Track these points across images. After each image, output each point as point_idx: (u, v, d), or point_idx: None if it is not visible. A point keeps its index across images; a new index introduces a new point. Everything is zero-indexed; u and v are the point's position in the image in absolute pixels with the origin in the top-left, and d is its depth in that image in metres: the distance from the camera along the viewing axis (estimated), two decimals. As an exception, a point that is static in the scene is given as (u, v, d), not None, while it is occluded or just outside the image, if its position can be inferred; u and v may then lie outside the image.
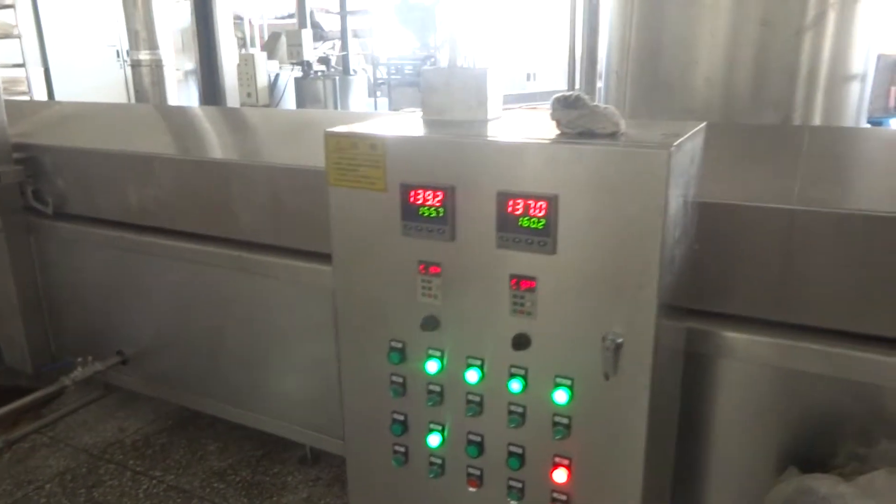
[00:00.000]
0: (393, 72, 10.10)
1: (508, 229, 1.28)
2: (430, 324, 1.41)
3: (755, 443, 1.86)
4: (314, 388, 2.43)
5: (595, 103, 1.29)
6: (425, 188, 1.33)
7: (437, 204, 1.33)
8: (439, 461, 1.50)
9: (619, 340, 1.23)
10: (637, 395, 1.27)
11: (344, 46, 10.80)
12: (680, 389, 1.68)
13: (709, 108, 3.42)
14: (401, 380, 1.49)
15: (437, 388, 1.46)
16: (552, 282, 1.29)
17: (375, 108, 10.02)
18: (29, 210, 3.09)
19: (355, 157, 1.40)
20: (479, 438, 1.45)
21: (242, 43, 10.63)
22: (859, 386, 1.72)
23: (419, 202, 1.35)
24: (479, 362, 1.40)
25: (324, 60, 10.81)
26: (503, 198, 1.27)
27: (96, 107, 4.30)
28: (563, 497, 1.39)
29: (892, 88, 6.58)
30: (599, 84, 4.34)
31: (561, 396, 1.32)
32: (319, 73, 10.25)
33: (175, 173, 2.66)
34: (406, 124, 1.51)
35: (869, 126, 3.21)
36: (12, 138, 3.06)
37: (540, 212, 1.24)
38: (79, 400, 3.30)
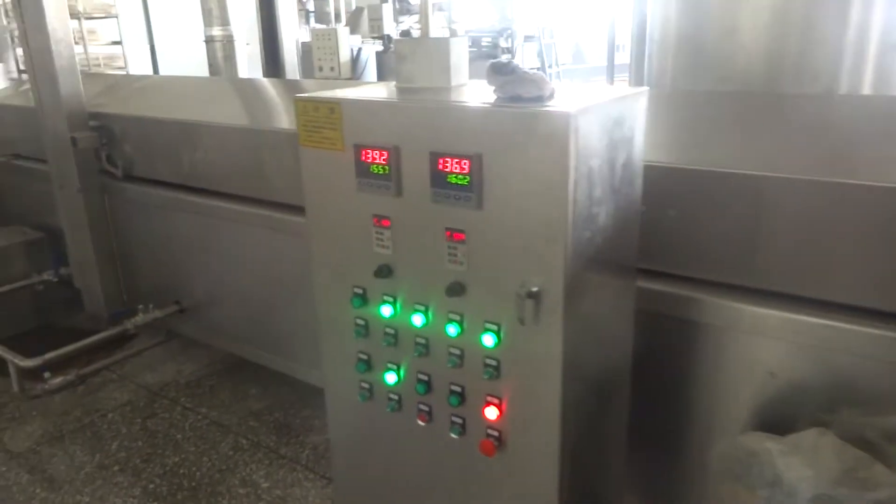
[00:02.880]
0: (470, 45, 10.13)
1: (440, 185, 1.40)
2: (384, 272, 1.57)
3: (720, 405, 1.91)
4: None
5: (524, 69, 1.39)
6: (374, 148, 1.48)
7: (384, 162, 1.47)
8: (396, 397, 1.67)
9: (533, 289, 1.34)
10: (551, 341, 1.37)
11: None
12: (632, 344, 1.76)
13: (749, 78, 3.34)
14: (363, 322, 1.66)
15: (392, 331, 1.61)
16: (480, 235, 1.41)
17: (452, 81, 10.10)
18: (103, 172, 3.47)
19: (317, 119, 1.56)
20: (426, 378, 1.59)
21: (328, 18, 10.97)
22: (822, 353, 1.74)
23: (369, 161, 1.49)
24: (423, 308, 1.54)
25: (405, 34, 10.98)
26: (434, 157, 1.39)
27: (171, 80, 4.67)
28: (496, 433, 1.52)
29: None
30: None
31: (489, 340, 1.45)
32: (399, 47, 10.41)
33: (216, 140, 2.92)
34: (372, 91, 1.65)
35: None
36: (90, 108, 3.43)
37: (465, 169, 1.36)
38: (144, 344, 3.69)
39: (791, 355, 1.79)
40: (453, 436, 1.58)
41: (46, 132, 3.39)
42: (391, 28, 10.34)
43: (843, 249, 1.68)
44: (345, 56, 9.70)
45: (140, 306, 3.36)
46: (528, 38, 9.67)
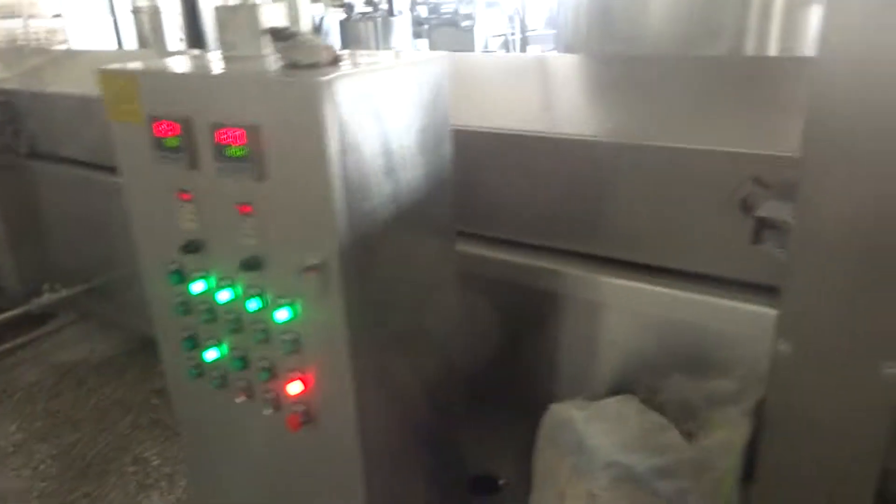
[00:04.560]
0: (431, 12, 9.98)
1: (220, 158, 1.37)
2: (192, 247, 1.53)
3: (565, 373, 1.90)
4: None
5: (302, 35, 1.34)
6: (166, 120, 1.43)
7: (176, 134, 1.43)
8: (219, 374, 1.65)
9: (314, 262, 1.32)
10: (335, 314, 1.35)
11: (388, -13, 10.71)
12: (458, 310, 1.74)
13: (660, 39, 3.29)
14: (183, 299, 1.63)
15: (208, 307, 1.58)
16: (267, 208, 1.37)
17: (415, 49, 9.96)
18: (9, 149, 3.40)
19: (119, 92, 1.52)
20: (242, 353, 1.57)
21: (291, -13, 10.75)
22: (656, 321, 1.72)
23: (163, 134, 1.45)
24: (230, 283, 1.51)
25: (370, 2, 10.80)
26: (213, 128, 1.35)
27: (94, 54, 4.57)
28: (302, 407, 1.51)
29: None
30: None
31: (283, 315, 1.42)
32: (360, 15, 10.26)
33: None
34: (179, 62, 1.60)
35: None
36: (-2, 83, 3.36)
37: (242, 141, 1.32)
38: (60, 323, 3.67)
39: (629, 323, 1.77)
40: (267, 411, 1.56)
41: (-54, 109, 3.31)
42: (352, -4, 10.16)
43: (675, 215, 1.66)
44: (305, 25, 9.54)
45: (45, 286, 3.33)
46: (490, 4, 9.50)
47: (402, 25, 10.50)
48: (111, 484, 2.50)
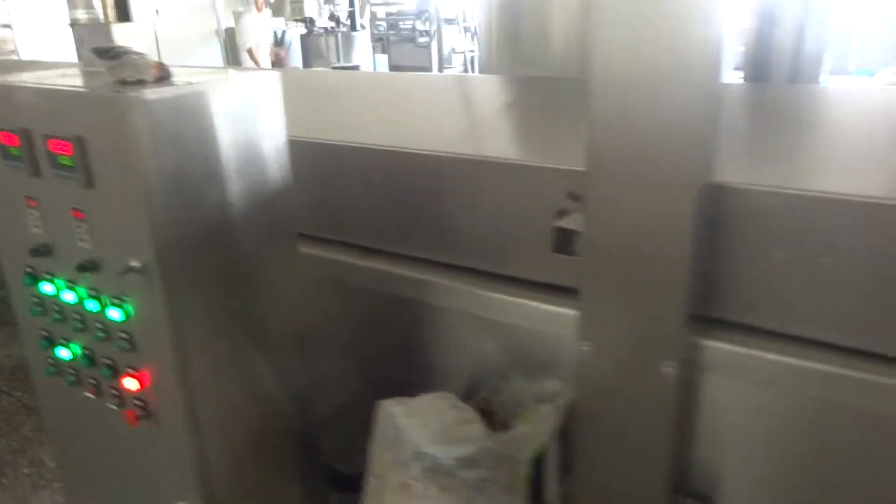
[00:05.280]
0: (390, 27, 10.14)
1: (55, 166, 1.46)
2: (40, 251, 1.62)
3: (423, 374, 2.00)
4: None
5: (130, 54, 1.44)
6: (6, 131, 1.53)
7: (18, 144, 1.52)
8: (74, 371, 1.73)
9: (135, 265, 1.41)
10: (161, 313, 1.45)
11: (350, 3, 10.88)
12: (304, 309, 1.84)
13: (567, 64, 3.43)
14: (37, 300, 1.71)
15: (58, 308, 1.67)
16: (97, 214, 1.47)
17: (374, 65, 10.11)
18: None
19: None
20: (89, 352, 1.66)
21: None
22: (499, 326, 1.83)
23: (8, 143, 1.54)
24: (73, 285, 1.60)
25: (333, 17, 10.96)
26: (46, 139, 1.45)
27: (20, 64, 4.64)
28: (142, 403, 1.60)
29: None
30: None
31: (116, 315, 1.52)
32: (322, 30, 10.40)
33: None
34: (35, 76, 1.70)
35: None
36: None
37: (69, 151, 1.42)
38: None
39: (476, 327, 1.88)
40: (112, 406, 1.65)
41: None
42: (313, 11, 10.31)
43: (509, 225, 1.78)
44: (261, 38, 9.66)
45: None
46: (448, 21, 9.69)
47: (362, 41, 10.67)
48: (2, 485, 2.56)
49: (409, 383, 2.01)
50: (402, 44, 10.07)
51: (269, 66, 9.31)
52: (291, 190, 1.68)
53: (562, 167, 1.64)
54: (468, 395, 1.87)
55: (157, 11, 6.94)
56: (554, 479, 1.68)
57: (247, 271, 1.63)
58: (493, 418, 1.75)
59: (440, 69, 9.89)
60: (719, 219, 1.46)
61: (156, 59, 1.47)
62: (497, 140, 2.00)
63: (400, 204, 1.87)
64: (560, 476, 1.68)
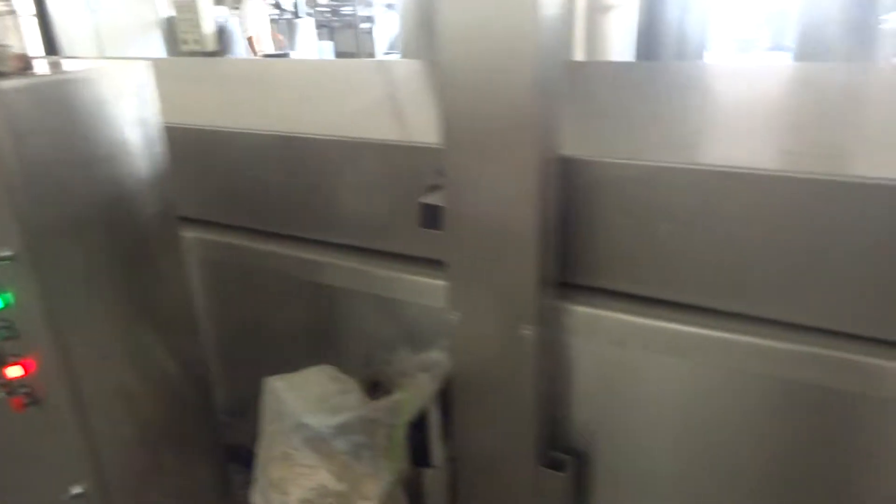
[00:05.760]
0: (332, 14, 10.08)
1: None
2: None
3: (316, 351, 2.07)
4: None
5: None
6: None
7: None
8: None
9: (3, 253, 1.45)
10: (36, 300, 1.49)
11: (292, -11, 10.74)
12: (191, 291, 1.89)
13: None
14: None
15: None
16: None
17: (319, 52, 10.05)
18: None
19: None
20: (-23, 343, 1.69)
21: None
22: (387, 302, 1.91)
23: None
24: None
25: (276, 5, 10.82)
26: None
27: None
28: (28, 389, 1.64)
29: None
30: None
31: (-5, 303, 1.56)
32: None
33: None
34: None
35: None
36: None
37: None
38: None
39: (364, 303, 1.96)
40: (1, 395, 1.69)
41: None
42: (254, -1, 10.16)
43: (388, 203, 1.85)
44: (207, 28, 9.55)
45: None
46: (390, 7, 9.67)
47: (306, 28, 10.57)
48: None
49: (311, 361, 2.09)
50: (346, 30, 10.03)
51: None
52: (169, 175, 1.72)
53: (431, 145, 1.72)
54: (365, 368, 1.95)
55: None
56: (437, 443, 1.77)
57: (126, 255, 1.67)
58: (383, 388, 1.83)
59: (385, 55, 9.89)
60: (570, 190, 1.55)
61: (19, 51, 1.50)
62: (383, 122, 2.07)
63: (286, 187, 1.93)
64: (444, 441, 1.77)
